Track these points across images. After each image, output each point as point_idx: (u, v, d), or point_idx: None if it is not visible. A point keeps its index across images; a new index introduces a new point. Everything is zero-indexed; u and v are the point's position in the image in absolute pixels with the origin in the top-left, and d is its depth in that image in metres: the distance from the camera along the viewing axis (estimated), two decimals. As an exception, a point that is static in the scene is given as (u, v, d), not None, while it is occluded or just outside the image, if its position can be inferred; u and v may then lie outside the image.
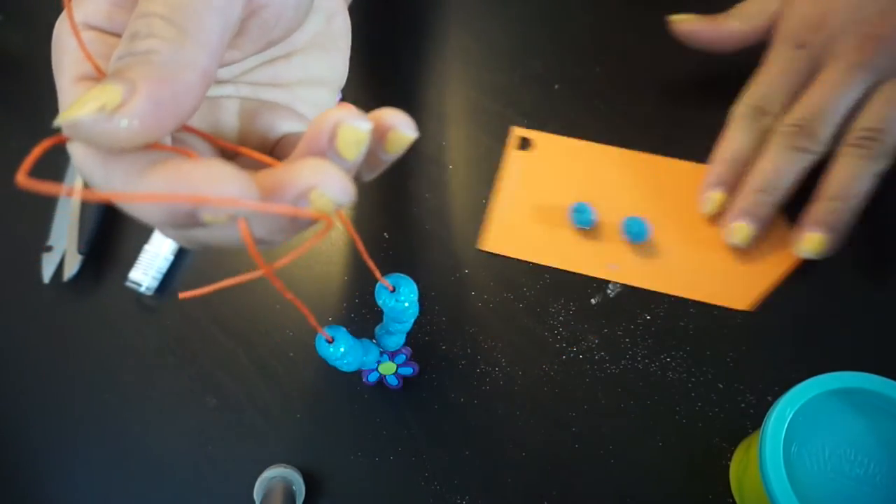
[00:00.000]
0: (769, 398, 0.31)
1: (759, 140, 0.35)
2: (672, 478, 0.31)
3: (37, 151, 0.18)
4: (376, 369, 0.32)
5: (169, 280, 0.37)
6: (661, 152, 0.38)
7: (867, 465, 0.25)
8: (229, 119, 0.23)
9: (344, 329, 0.26)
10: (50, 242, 0.38)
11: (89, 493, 0.33)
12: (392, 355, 0.31)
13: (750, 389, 0.32)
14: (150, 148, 0.18)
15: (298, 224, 0.19)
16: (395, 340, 0.30)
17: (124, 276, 0.36)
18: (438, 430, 0.32)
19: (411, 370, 0.32)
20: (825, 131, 0.33)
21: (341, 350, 0.26)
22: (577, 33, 0.43)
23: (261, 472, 0.31)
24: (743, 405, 0.31)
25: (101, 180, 0.19)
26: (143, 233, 0.37)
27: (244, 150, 0.21)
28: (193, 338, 0.36)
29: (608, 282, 0.35)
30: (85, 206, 0.38)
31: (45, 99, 0.45)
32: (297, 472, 0.31)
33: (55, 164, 0.40)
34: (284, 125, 0.23)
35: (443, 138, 0.40)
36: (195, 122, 0.22)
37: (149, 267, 0.36)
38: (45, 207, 0.39)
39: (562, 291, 0.35)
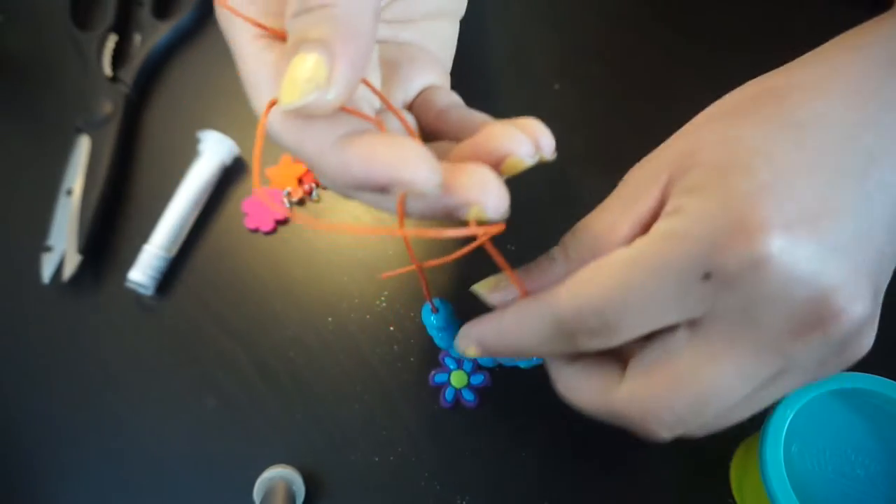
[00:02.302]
0: (769, 398, 0.31)
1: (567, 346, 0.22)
2: (672, 478, 0.31)
3: (264, 118, 0.20)
4: (450, 383, 0.33)
5: (169, 280, 0.37)
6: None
7: (868, 466, 0.25)
8: (373, 69, 0.23)
9: (451, 306, 0.28)
10: (49, 242, 0.38)
11: (89, 493, 0.33)
12: (460, 362, 0.33)
13: (750, 389, 0.32)
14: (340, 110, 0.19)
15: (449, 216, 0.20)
16: (508, 361, 0.31)
17: (124, 276, 0.36)
18: (438, 430, 0.32)
19: (482, 378, 0.33)
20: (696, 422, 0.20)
21: (440, 323, 0.28)
22: (578, 33, 0.43)
23: (261, 472, 0.31)
24: (743, 405, 0.31)
25: (293, 144, 0.20)
26: (143, 233, 0.37)
27: (403, 118, 0.23)
28: (193, 338, 0.36)
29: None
30: (85, 205, 0.38)
31: (45, 99, 0.45)
32: (297, 472, 0.31)
33: (55, 165, 0.40)
34: (422, 78, 0.24)
35: (443, 138, 0.40)
36: None
37: (148, 267, 0.36)
38: (45, 207, 0.39)
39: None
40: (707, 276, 0.18)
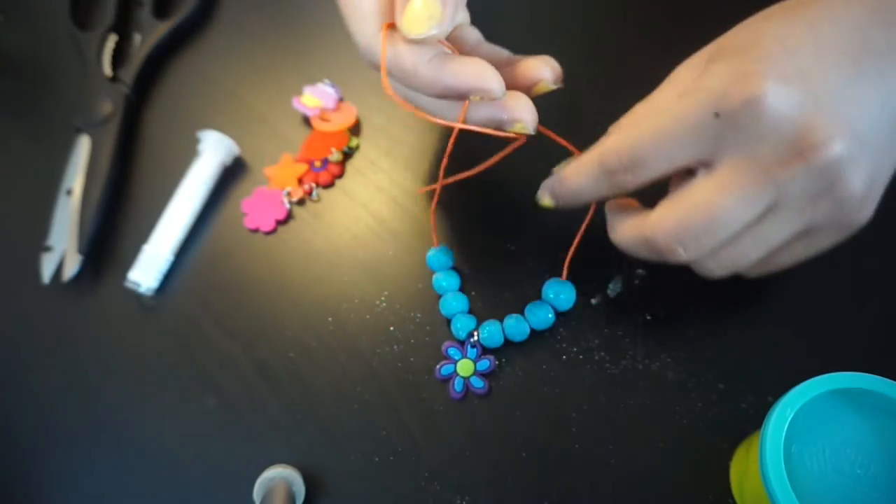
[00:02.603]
0: (769, 398, 0.31)
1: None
2: (672, 478, 0.31)
3: (384, 30, 0.26)
4: (457, 373, 0.33)
5: (169, 280, 0.37)
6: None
7: (867, 466, 0.25)
8: None
9: (450, 259, 0.35)
10: (49, 242, 0.38)
11: (88, 493, 0.33)
12: (463, 347, 0.33)
13: (750, 389, 0.32)
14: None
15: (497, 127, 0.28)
16: (519, 335, 0.33)
17: (124, 276, 0.36)
18: (438, 430, 0.32)
19: (488, 363, 0.33)
20: (704, 245, 0.26)
21: (437, 258, 0.35)
22: (578, 33, 0.43)
23: (261, 472, 0.31)
24: (743, 405, 0.31)
25: (391, 60, 0.26)
26: (142, 233, 0.37)
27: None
28: (193, 338, 0.36)
29: (608, 282, 0.35)
30: (85, 205, 0.38)
31: (45, 99, 0.45)
32: (297, 472, 0.31)
33: (55, 165, 0.40)
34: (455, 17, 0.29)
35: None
36: None
37: (148, 267, 0.36)
38: (45, 207, 0.39)
39: (562, 291, 0.35)
40: (717, 115, 0.24)
